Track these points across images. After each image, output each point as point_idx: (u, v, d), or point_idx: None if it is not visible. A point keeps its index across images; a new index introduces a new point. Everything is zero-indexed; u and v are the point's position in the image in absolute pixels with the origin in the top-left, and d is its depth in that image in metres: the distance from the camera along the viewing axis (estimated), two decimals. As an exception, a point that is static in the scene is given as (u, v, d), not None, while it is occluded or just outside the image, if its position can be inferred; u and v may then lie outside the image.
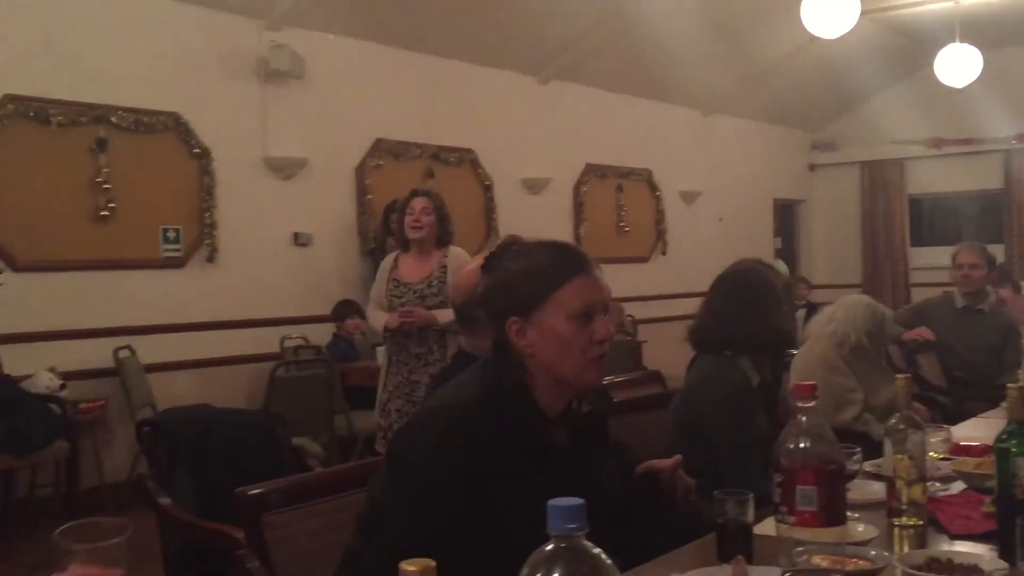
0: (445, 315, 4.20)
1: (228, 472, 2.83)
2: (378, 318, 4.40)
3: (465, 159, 8.37)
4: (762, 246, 11.26)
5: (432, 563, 0.92)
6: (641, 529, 2.08)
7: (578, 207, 9.48)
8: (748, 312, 2.81)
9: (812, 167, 12.64)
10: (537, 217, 8.62)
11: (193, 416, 2.94)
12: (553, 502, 0.96)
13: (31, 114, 5.67)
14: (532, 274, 1.78)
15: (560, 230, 8.84)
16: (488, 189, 8.56)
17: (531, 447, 1.73)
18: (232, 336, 6.53)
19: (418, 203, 4.41)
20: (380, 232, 6.87)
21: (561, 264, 1.79)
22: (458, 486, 1.66)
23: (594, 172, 9.63)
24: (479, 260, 2.50)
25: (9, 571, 4.40)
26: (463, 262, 4.31)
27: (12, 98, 5.59)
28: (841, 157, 12.33)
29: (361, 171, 7.53)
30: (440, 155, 8.12)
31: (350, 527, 2.09)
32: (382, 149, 7.67)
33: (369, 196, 7.52)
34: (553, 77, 9.02)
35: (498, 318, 1.79)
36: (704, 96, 10.37)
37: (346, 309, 6.59)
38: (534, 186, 8.99)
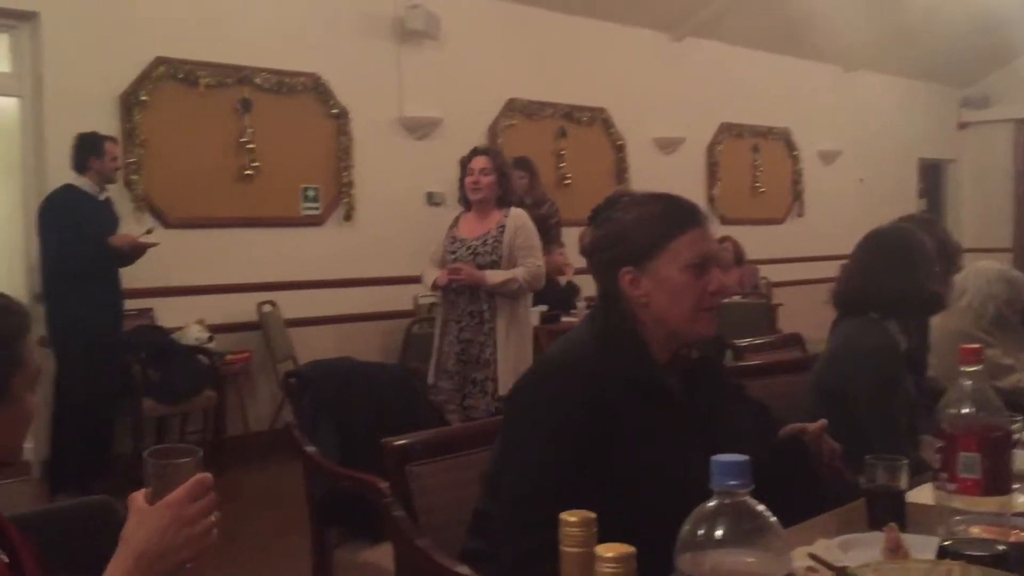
0: (496, 276, 4.16)
1: (368, 423, 2.91)
2: (429, 274, 4.34)
3: (597, 118, 8.30)
4: (905, 208, 10.81)
5: (592, 515, 0.91)
6: (780, 491, 2.04)
7: (712, 167, 9.30)
8: (897, 272, 2.69)
9: (962, 125, 12.05)
10: (669, 177, 8.47)
11: (336, 368, 3.02)
12: (716, 457, 0.94)
13: (180, 76, 5.89)
14: (646, 224, 1.78)
15: (693, 191, 8.68)
16: (620, 149, 8.47)
17: (648, 394, 1.74)
18: (367, 293, 6.68)
19: (478, 162, 4.29)
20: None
21: (675, 215, 1.80)
22: (579, 435, 1.66)
23: (729, 131, 9.42)
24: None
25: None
26: (522, 223, 4.30)
27: (163, 60, 5.81)
28: (994, 114, 11.71)
29: (494, 130, 7.56)
30: (572, 114, 8.08)
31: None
32: (515, 108, 7.68)
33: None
34: (688, 34, 8.83)
35: (610, 268, 1.80)
36: (846, 51, 9.96)
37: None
38: (667, 146, 8.85)
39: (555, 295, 6.63)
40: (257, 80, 6.19)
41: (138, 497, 1.23)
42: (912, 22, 9.62)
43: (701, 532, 0.93)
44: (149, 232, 5.23)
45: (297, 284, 6.39)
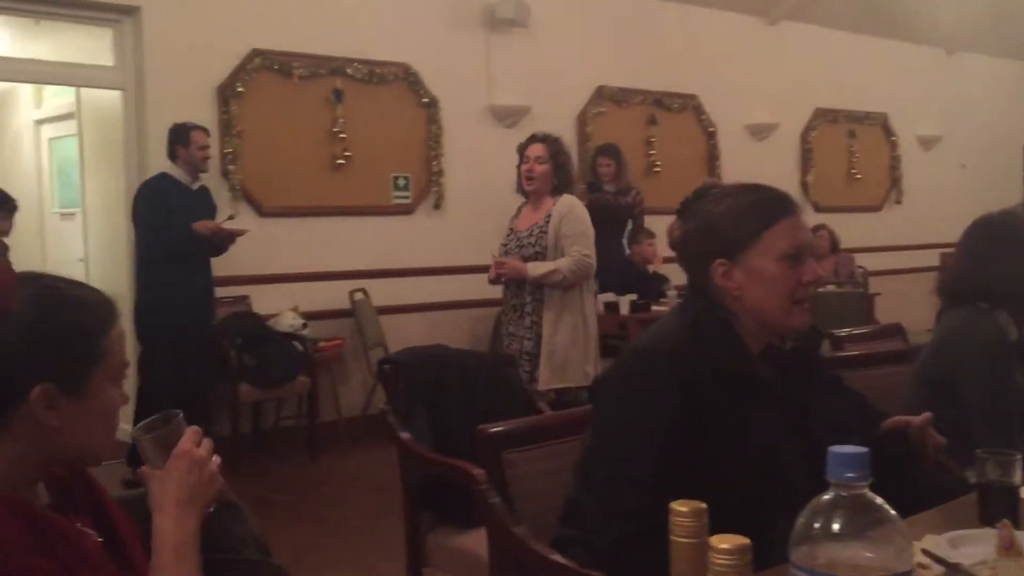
0: (537, 268, 4.03)
1: (462, 411, 2.91)
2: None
3: (688, 105, 8.19)
4: (1010, 196, 10.40)
5: (702, 505, 0.89)
6: (881, 484, 1.98)
7: (806, 153, 9.10)
8: (1009, 261, 2.59)
9: (1070, 108, 11.54)
10: (762, 164, 8.33)
11: (430, 356, 3.03)
12: (834, 449, 0.91)
13: (275, 67, 6.00)
14: (738, 215, 1.76)
15: (786, 178, 8.51)
16: (711, 136, 8.35)
17: (741, 383, 1.71)
18: (457, 281, 6.70)
19: (533, 150, 4.15)
20: None
21: (768, 205, 1.78)
22: (671, 424, 1.64)
23: (824, 117, 9.20)
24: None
25: (263, 495, 4.75)
26: (568, 211, 4.13)
27: (258, 52, 5.92)
28: (1105, 97, 11.18)
29: (583, 118, 7.52)
30: (663, 101, 7.99)
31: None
32: (604, 96, 7.62)
33: (591, 144, 7.50)
34: (783, 18, 8.64)
35: (701, 261, 1.78)
36: (948, 32, 9.63)
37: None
38: (760, 132, 8.69)
39: (643, 284, 6.58)
40: (349, 70, 6.27)
41: (147, 471, 1.36)
42: (1017, 1, 9.25)
43: (817, 525, 0.90)
44: (230, 219, 5.30)
45: (388, 272, 6.46)
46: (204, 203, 5.32)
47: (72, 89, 6.72)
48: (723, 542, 0.85)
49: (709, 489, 1.46)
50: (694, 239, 1.82)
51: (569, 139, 7.39)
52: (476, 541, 2.59)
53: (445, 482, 2.64)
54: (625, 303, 5.98)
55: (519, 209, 4.32)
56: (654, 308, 6.07)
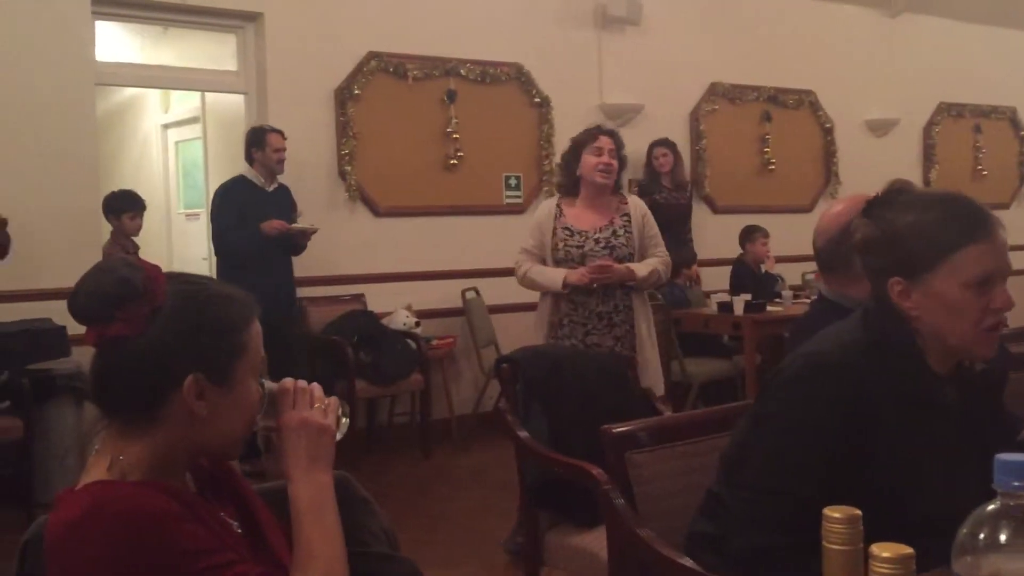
0: (641, 269, 3.78)
1: (579, 410, 2.91)
2: (552, 274, 3.82)
3: (804, 101, 8.00)
4: None
5: (857, 511, 0.86)
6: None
7: (928, 149, 8.79)
8: None
9: None
10: (882, 161, 8.08)
11: (547, 354, 3.03)
12: (1001, 457, 0.87)
13: (390, 69, 6.10)
14: (925, 233, 1.58)
15: (907, 174, 8.15)
16: (828, 132, 8.14)
17: (917, 402, 1.60)
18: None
19: (606, 142, 3.80)
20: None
21: (960, 224, 1.58)
22: (835, 432, 1.57)
23: (948, 111, 8.87)
24: (847, 201, 2.35)
25: (377, 490, 4.83)
26: (645, 209, 3.92)
27: (374, 55, 6.03)
28: None
29: (695, 116, 7.42)
30: (778, 97, 7.83)
31: (711, 470, 2.07)
32: (717, 93, 7.51)
33: (703, 141, 7.41)
34: (904, 10, 8.37)
35: (879, 275, 1.64)
36: (1083, 22, 9.18)
37: (678, 257, 6.54)
38: (879, 128, 8.43)
39: (755, 284, 6.46)
40: (462, 71, 6.33)
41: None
42: None
43: (982, 536, 0.86)
44: (297, 218, 5.35)
45: (499, 271, 6.45)
46: (281, 203, 5.39)
47: (197, 94, 6.98)
48: (885, 551, 0.82)
49: (869, 507, 1.40)
50: (873, 250, 1.66)
51: (681, 137, 7.34)
52: (594, 541, 2.58)
53: (563, 481, 2.63)
54: (739, 303, 5.88)
55: (559, 208, 3.90)
56: (769, 308, 5.96)
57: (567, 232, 3.82)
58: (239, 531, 1.34)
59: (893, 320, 1.63)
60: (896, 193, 1.69)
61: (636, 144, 6.97)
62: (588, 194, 3.84)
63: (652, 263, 3.84)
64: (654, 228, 3.94)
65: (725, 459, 1.80)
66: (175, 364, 1.25)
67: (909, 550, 0.83)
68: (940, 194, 1.69)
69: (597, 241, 3.80)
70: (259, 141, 5.31)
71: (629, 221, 3.85)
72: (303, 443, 1.36)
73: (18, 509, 4.42)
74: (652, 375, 3.86)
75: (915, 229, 1.60)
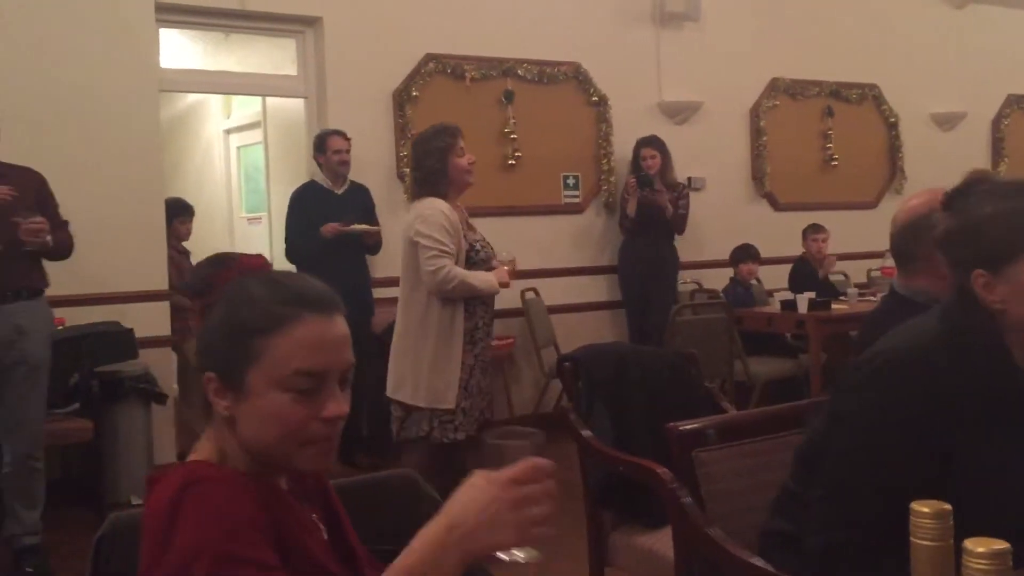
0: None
1: (643, 408, 2.87)
2: (485, 277, 3.69)
3: (867, 95, 7.86)
4: None
5: (947, 506, 0.82)
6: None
7: (997, 143, 8.58)
8: None
9: None
10: (949, 155, 7.90)
11: (609, 353, 3.00)
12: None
13: (448, 70, 6.11)
14: (1007, 222, 1.55)
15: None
16: (893, 126, 7.99)
17: (1000, 398, 1.55)
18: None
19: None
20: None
21: None
22: (915, 430, 1.53)
23: (1017, 103, 8.65)
24: (923, 194, 2.29)
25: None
26: None
27: (432, 57, 6.04)
28: None
29: (755, 112, 7.33)
30: (840, 92, 7.70)
31: (779, 468, 2.03)
32: (778, 89, 7.41)
33: (764, 138, 7.30)
34: (971, 1, 8.17)
35: (961, 267, 1.60)
36: None
37: (742, 254, 6.46)
38: (946, 121, 8.24)
39: (815, 283, 6.34)
40: (520, 71, 6.32)
41: (477, 474, 1.17)
42: None
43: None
44: (351, 220, 5.35)
45: (558, 271, 6.47)
46: (353, 204, 5.41)
47: (258, 99, 7.07)
48: (979, 546, 0.78)
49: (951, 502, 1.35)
50: (954, 242, 1.63)
51: (741, 134, 7.25)
52: (661, 541, 2.55)
53: (627, 481, 2.60)
54: (803, 301, 5.78)
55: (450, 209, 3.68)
56: (834, 307, 5.86)
57: (473, 233, 3.73)
58: (326, 538, 1.31)
59: (977, 314, 1.58)
60: (974, 184, 1.65)
61: (694, 143, 6.91)
62: (455, 196, 3.70)
63: None
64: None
65: (801, 456, 1.77)
66: (203, 360, 1.25)
67: (1004, 544, 0.79)
68: (1019, 183, 1.65)
69: (485, 246, 3.74)
70: (320, 144, 5.38)
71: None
72: (483, 518, 1.12)
73: (89, 510, 4.51)
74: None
75: (994, 219, 1.57)
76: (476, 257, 3.67)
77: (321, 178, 5.40)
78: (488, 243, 3.82)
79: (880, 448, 1.54)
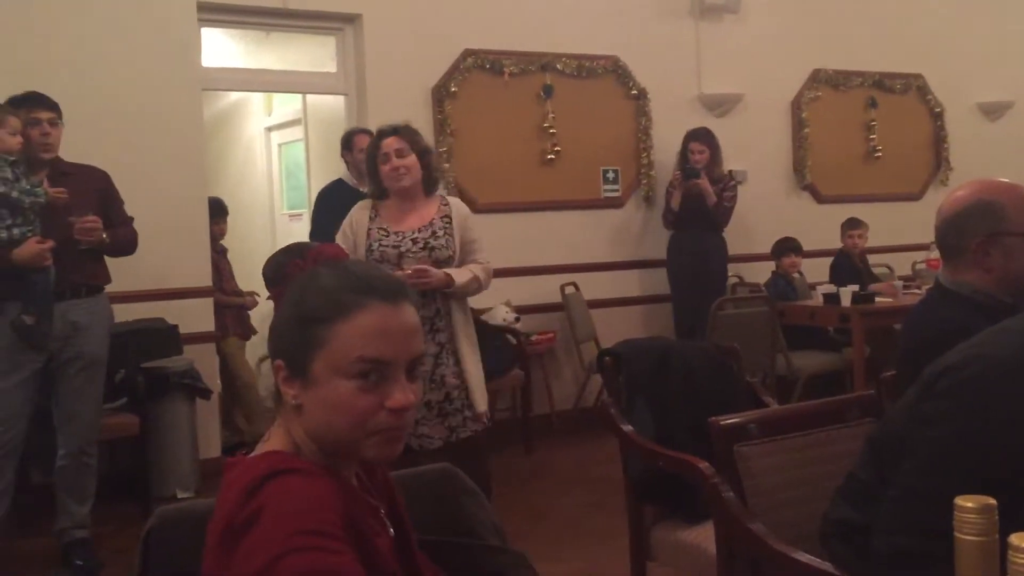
0: (460, 275, 3.60)
1: (684, 402, 2.86)
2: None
3: (912, 85, 7.74)
4: None
5: (991, 500, 0.81)
6: None
7: (1045, 133, 8.41)
8: None
9: None
10: (996, 145, 7.78)
11: (650, 347, 2.99)
12: None
13: (487, 66, 6.11)
14: None
15: (1023, 159, 7.89)
16: (938, 117, 7.86)
17: None
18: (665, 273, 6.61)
19: (391, 144, 3.64)
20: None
21: None
22: (1008, 442, 1.46)
23: (1067, 91, 8.47)
24: (970, 185, 2.25)
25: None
26: (467, 211, 3.77)
27: (471, 52, 6.05)
28: None
29: (797, 104, 7.25)
30: (884, 82, 7.59)
31: (821, 463, 2.01)
32: (820, 80, 7.33)
33: (806, 130, 7.23)
34: (1018, -13, 8.04)
35: None
36: None
37: (784, 247, 6.40)
38: (992, 111, 8.11)
39: (856, 276, 6.26)
40: (558, 65, 6.31)
41: None
42: None
43: None
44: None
45: (598, 265, 6.46)
46: None
47: (299, 96, 7.12)
48: (1024, 541, 0.78)
49: None
50: None
51: (783, 126, 7.19)
52: (702, 536, 2.54)
53: (668, 475, 2.59)
54: (846, 295, 5.72)
55: (373, 209, 3.70)
56: (878, 300, 5.79)
57: (383, 232, 3.63)
58: (392, 534, 1.30)
59: None
60: None
61: (735, 136, 6.85)
62: (396, 198, 3.67)
63: (473, 269, 3.67)
64: (475, 232, 3.77)
65: (877, 447, 1.70)
66: (273, 348, 1.25)
67: (991, 500, 0.77)
68: None
69: (415, 241, 3.60)
70: (347, 143, 5.37)
71: (450, 223, 3.67)
72: None
73: (135, 503, 4.58)
74: (476, 388, 3.72)
75: None
76: (370, 257, 3.61)
77: (348, 177, 5.41)
78: (415, 242, 3.63)
79: (971, 458, 1.48)
